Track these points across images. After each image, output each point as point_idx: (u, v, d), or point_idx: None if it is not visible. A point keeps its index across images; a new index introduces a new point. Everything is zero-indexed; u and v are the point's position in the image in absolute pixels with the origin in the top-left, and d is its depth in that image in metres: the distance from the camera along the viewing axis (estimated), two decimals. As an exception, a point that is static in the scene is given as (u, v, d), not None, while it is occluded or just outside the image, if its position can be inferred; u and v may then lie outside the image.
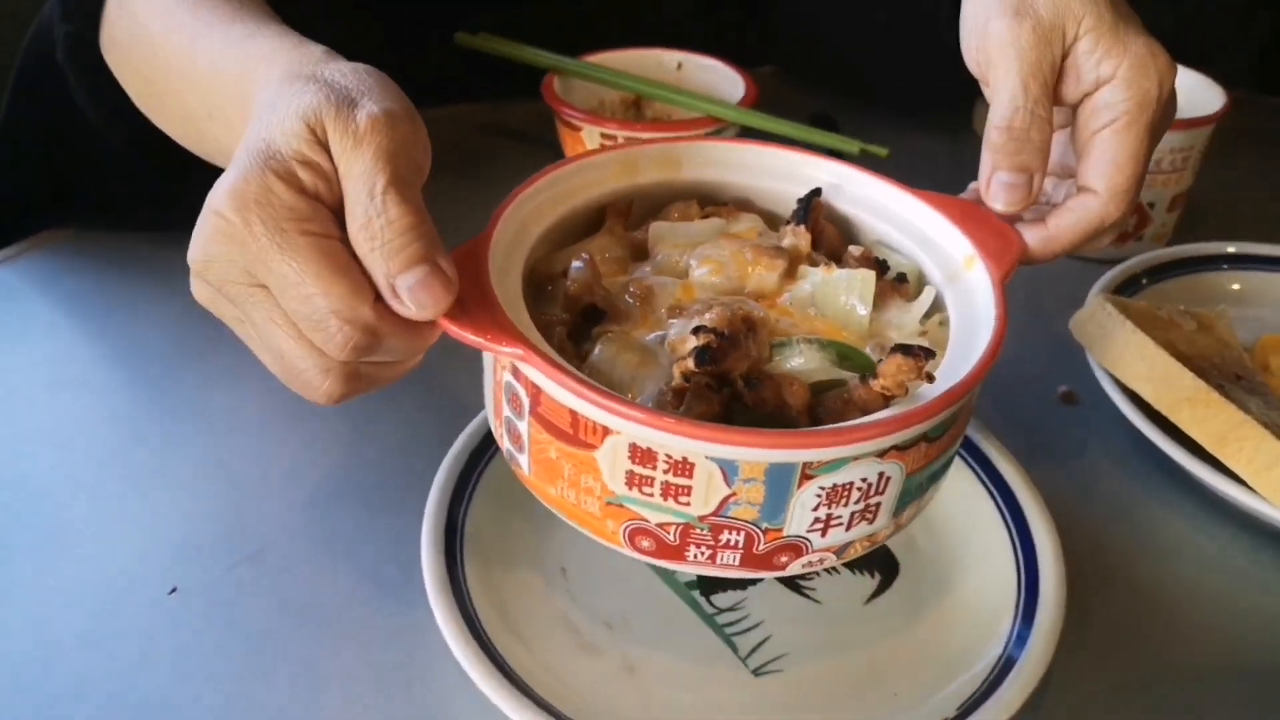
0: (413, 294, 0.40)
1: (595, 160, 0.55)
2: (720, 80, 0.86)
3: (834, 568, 0.54)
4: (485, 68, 0.87)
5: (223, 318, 0.43)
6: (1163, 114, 0.51)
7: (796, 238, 0.53)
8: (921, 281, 0.52)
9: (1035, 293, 0.72)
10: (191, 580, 0.54)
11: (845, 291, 0.49)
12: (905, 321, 0.49)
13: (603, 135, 0.79)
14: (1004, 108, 0.50)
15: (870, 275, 0.49)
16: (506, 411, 0.46)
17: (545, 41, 0.86)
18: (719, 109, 0.80)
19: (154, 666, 0.49)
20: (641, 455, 0.41)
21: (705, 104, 0.81)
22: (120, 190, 0.73)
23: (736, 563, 0.43)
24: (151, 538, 0.56)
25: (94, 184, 0.74)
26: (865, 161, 0.63)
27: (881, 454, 0.41)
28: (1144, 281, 0.74)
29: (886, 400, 0.43)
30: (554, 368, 0.41)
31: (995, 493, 0.56)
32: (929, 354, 0.42)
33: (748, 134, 0.81)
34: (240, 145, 0.41)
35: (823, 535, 0.43)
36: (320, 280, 0.39)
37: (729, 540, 0.42)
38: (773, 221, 0.56)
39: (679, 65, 0.88)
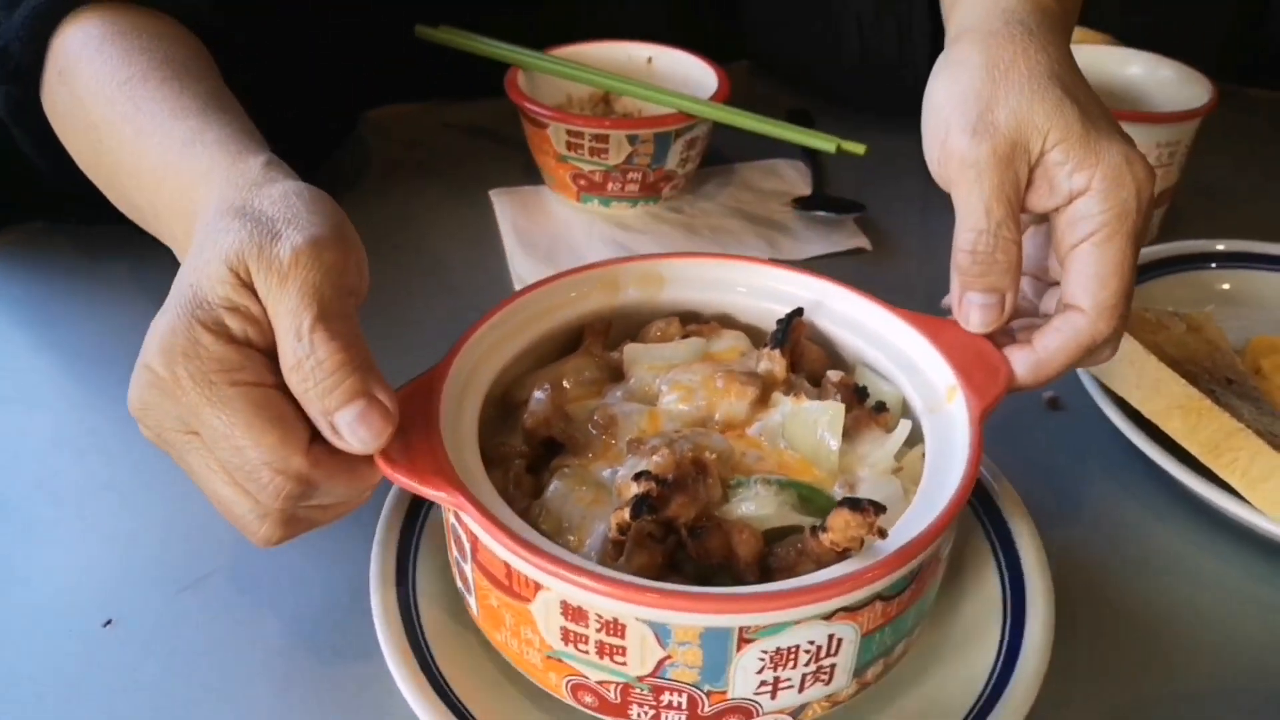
0: (352, 430, 0.40)
1: (575, 279, 0.55)
2: (692, 75, 0.84)
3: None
4: (452, 63, 0.86)
5: (170, 455, 0.43)
6: (1144, 221, 0.47)
7: (771, 362, 0.51)
8: (903, 409, 0.49)
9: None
10: (129, 611, 0.50)
11: (815, 424, 0.47)
12: (879, 456, 0.46)
13: (569, 132, 0.77)
14: (968, 232, 0.48)
15: (840, 408, 0.47)
16: (454, 552, 0.45)
17: (514, 35, 0.85)
18: (690, 104, 0.78)
19: (86, 705, 0.47)
20: (573, 613, 0.39)
21: (676, 99, 0.79)
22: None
23: (682, 723, 0.41)
24: (86, 564, 0.53)
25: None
26: (850, 277, 0.61)
27: (828, 616, 0.38)
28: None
29: (840, 555, 0.40)
30: (485, 517, 0.39)
31: (985, 519, 0.53)
32: (878, 509, 0.39)
33: (721, 129, 0.80)
34: (174, 285, 0.41)
35: (772, 698, 0.40)
36: (250, 432, 0.39)
37: (671, 701, 0.40)
38: (758, 338, 0.54)
39: (649, 59, 0.87)
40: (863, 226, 0.82)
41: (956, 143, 0.47)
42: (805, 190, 0.86)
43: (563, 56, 0.85)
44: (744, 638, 0.38)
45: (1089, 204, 0.46)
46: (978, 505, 0.53)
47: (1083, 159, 0.46)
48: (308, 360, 0.39)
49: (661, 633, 0.38)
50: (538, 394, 0.48)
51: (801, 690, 0.40)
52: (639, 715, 0.41)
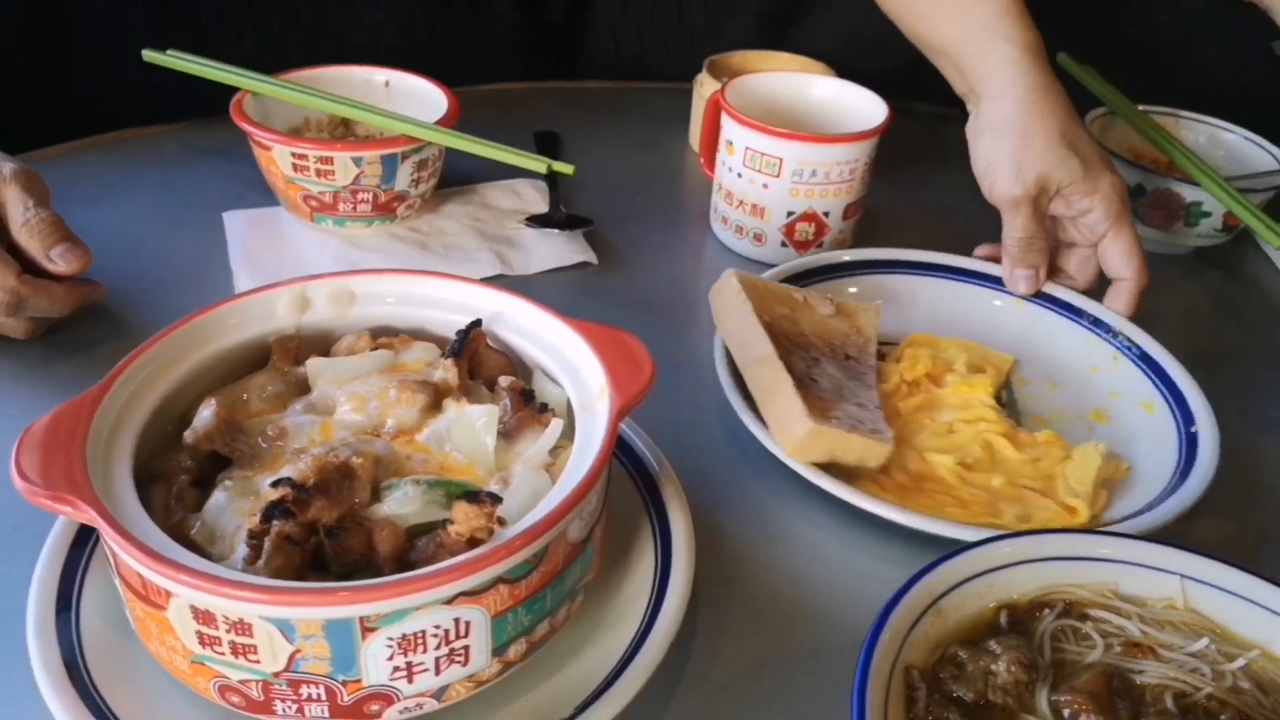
0: (63, 258, 0.68)
1: (260, 297, 0.56)
2: (427, 98, 0.88)
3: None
4: (188, 86, 0.86)
5: None
6: (1129, 210, 0.76)
7: (446, 371, 0.54)
8: (569, 409, 0.53)
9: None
10: None
11: (474, 426, 0.50)
12: (533, 452, 0.50)
13: (294, 154, 0.79)
14: (1016, 234, 0.77)
15: (494, 410, 0.50)
16: (110, 567, 0.46)
17: (260, 58, 0.86)
18: (414, 129, 0.81)
19: None
20: (203, 616, 0.41)
21: (401, 123, 0.81)
22: None
23: (326, 714, 0.43)
24: None
25: None
26: (526, 289, 0.64)
27: (449, 601, 0.41)
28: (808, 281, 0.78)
29: (469, 544, 0.43)
30: (112, 528, 0.41)
31: (650, 505, 0.57)
32: (495, 500, 0.42)
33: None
34: None
35: (409, 682, 0.43)
36: None
37: (311, 694, 0.42)
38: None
39: (387, 83, 0.90)
40: (591, 241, 0.86)
41: (1003, 188, 0.75)
42: (544, 208, 0.90)
43: (298, 80, 0.86)
44: (367, 627, 0.40)
45: (1096, 216, 0.75)
46: (645, 493, 0.58)
47: (1087, 191, 0.74)
48: (34, 219, 0.67)
49: (285, 629, 0.40)
50: (203, 410, 0.50)
51: (438, 673, 0.43)
52: (284, 710, 0.43)
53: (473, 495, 0.42)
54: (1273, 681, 0.46)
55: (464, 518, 0.42)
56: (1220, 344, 0.83)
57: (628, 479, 0.59)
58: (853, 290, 0.79)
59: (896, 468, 0.64)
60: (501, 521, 0.43)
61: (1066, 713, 0.43)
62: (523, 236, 0.86)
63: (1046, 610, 0.48)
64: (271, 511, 0.42)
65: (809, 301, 0.72)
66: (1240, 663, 0.46)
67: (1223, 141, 0.94)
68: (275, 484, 0.44)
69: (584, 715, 0.46)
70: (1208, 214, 0.86)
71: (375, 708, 0.43)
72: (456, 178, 0.93)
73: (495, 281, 0.81)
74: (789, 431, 0.61)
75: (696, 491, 0.59)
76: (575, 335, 0.54)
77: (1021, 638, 0.46)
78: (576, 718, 0.46)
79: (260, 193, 0.87)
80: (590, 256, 0.85)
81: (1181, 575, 0.49)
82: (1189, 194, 0.86)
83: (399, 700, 0.43)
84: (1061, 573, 0.49)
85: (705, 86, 0.98)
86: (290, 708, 0.43)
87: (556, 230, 0.86)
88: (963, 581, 0.47)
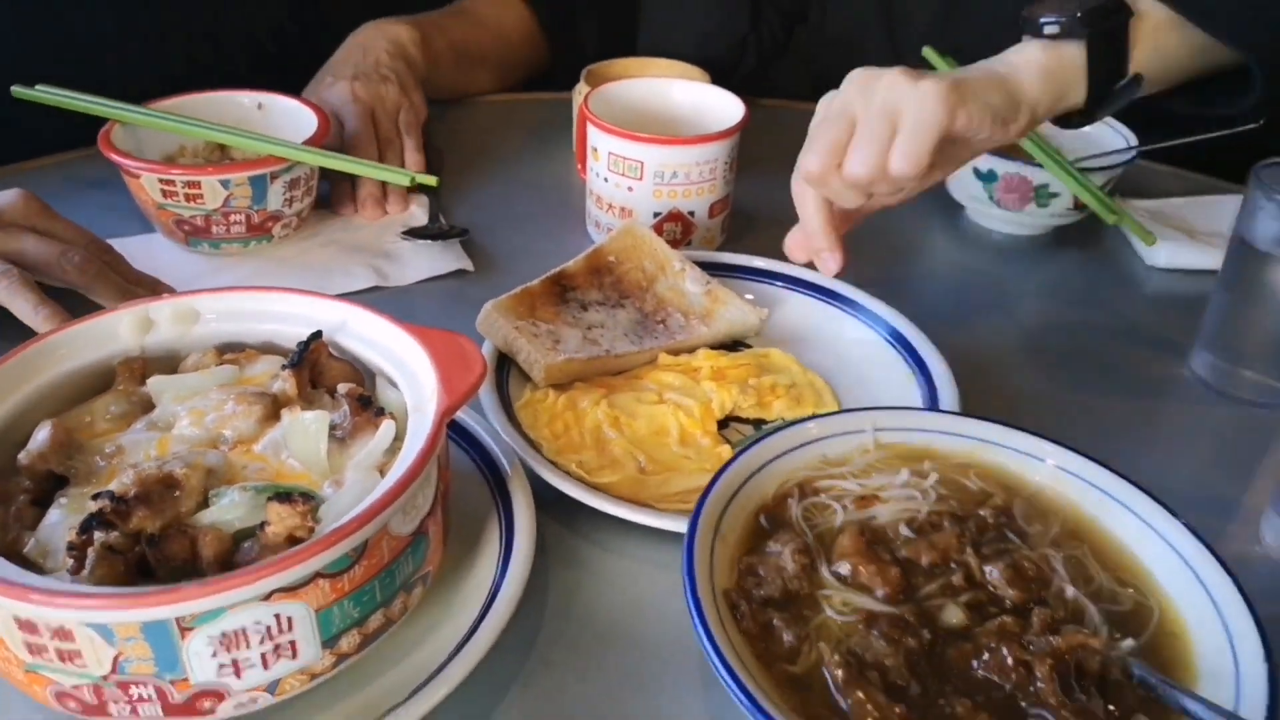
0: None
1: (103, 319, 0.58)
2: (298, 118, 0.90)
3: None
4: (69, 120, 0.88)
5: None
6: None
7: (285, 382, 0.56)
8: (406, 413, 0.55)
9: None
10: None
11: (307, 433, 0.52)
12: (364, 455, 0.52)
13: (161, 181, 0.81)
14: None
15: (325, 414, 0.52)
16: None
17: (136, 88, 0.88)
18: (281, 149, 0.83)
19: None
20: (26, 626, 0.42)
21: (269, 145, 0.83)
22: None
23: (160, 714, 0.45)
24: None
25: None
26: (404, 300, 0.67)
27: (266, 597, 0.43)
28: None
29: (291, 543, 0.45)
30: (-69, 548, 0.42)
31: (499, 500, 0.60)
32: (307, 498, 0.45)
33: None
34: None
35: (238, 678, 0.45)
36: None
37: (141, 695, 0.44)
38: (297, 361, 0.59)
39: (260, 105, 0.92)
40: (470, 250, 0.89)
41: None
42: (421, 220, 0.92)
43: (169, 108, 0.88)
44: (184, 626, 0.42)
45: None
46: (495, 491, 0.60)
47: None
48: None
49: (104, 633, 0.42)
50: (38, 432, 0.51)
51: (267, 668, 0.45)
52: (119, 712, 0.45)
53: (285, 496, 0.45)
54: (952, 479, 0.57)
55: (278, 517, 0.44)
56: (1064, 316, 0.88)
57: (480, 478, 0.62)
58: (749, 297, 0.81)
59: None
60: (315, 519, 0.45)
61: (846, 572, 0.50)
62: (400, 249, 0.88)
63: (790, 499, 0.54)
64: (89, 523, 0.44)
65: (685, 271, 0.77)
66: (933, 479, 0.56)
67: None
68: (95, 497, 0.45)
69: (416, 697, 0.48)
70: (1056, 194, 0.91)
71: (208, 704, 0.45)
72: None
73: (372, 294, 0.84)
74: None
75: (539, 494, 0.61)
76: (412, 340, 0.56)
77: (786, 529, 0.52)
78: (409, 700, 0.48)
79: (138, 221, 0.89)
80: (466, 264, 0.87)
81: (873, 429, 0.58)
82: (1037, 177, 0.90)
83: (231, 696, 0.45)
84: (786, 465, 0.56)
85: (581, 95, 1.01)
86: (124, 709, 0.45)
87: (430, 240, 0.88)
88: (725, 506, 0.52)
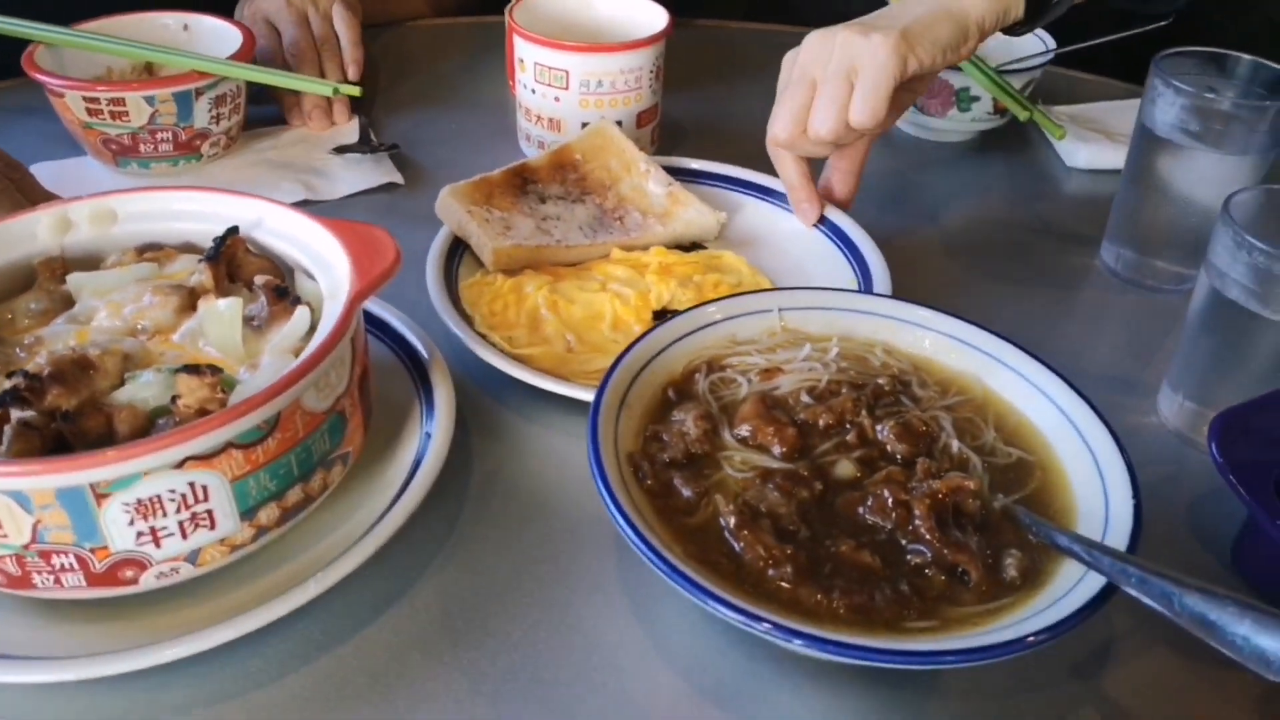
0: None
1: (21, 220, 0.59)
2: (224, 38, 0.90)
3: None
4: None
5: None
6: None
7: (203, 275, 0.57)
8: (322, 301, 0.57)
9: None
10: None
11: (222, 319, 0.53)
12: (280, 339, 0.54)
13: (85, 99, 0.81)
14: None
15: (238, 301, 0.54)
16: None
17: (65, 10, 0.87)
18: (204, 64, 0.83)
19: None
20: (-57, 496, 0.44)
21: (192, 60, 0.84)
22: None
23: (84, 583, 0.47)
24: None
25: None
26: (335, 213, 0.67)
27: (179, 465, 0.45)
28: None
29: (201, 415, 0.47)
30: None
31: (419, 386, 0.62)
32: (215, 371, 0.46)
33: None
34: None
35: (157, 547, 0.47)
36: None
37: (63, 564, 0.46)
38: (217, 259, 0.60)
39: (186, 26, 0.92)
40: (400, 165, 0.89)
41: None
42: (352, 138, 0.92)
43: (94, 29, 0.87)
44: (99, 493, 0.44)
45: None
46: (416, 378, 0.62)
47: None
48: None
49: (21, 500, 0.44)
50: (-50, 325, 0.52)
51: (185, 537, 0.47)
52: (43, 582, 0.47)
53: (194, 369, 0.46)
54: (855, 354, 0.59)
55: (188, 389, 0.46)
56: (988, 215, 0.90)
57: (401, 368, 0.64)
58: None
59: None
60: (223, 391, 0.46)
61: (746, 434, 0.53)
62: (330, 165, 0.88)
63: (697, 375, 0.57)
64: (3, 399, 0.45)
65: (650, 173, 0.80)
66: (835, 352, 0.59)
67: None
68: (9, 375, 0.47)
69: (331, 566, 0.50)
70: (977, 98, 0.92)
71: (130, 573, 0.47)
72: (272, 116, 0.95)
73: (302, 208, 0.84)
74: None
75: (479, 376, 0.64)
76: (326, 233, 0.58)
77: (691, 400, 0.55)
78: (326, 569, 0.50)
79: (67, 145, 0.88)
80: (396, 178, 0.88)
81: (779, 309, 0.60)
82: (957, 81, 0.92)
83: (152, 565, 0.47)
84: (694, 343, 0.58)
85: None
86: (48, 579, 0.46)
87: (362, 155, 0.89)
88: (633, 380, 0.55)
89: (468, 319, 0.68)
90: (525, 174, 0.80)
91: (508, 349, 0.65)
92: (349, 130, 0.94)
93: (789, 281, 0.75)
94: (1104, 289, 0.81)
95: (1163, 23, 0.87)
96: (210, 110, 0.84)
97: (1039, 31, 0.98)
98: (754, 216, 0.82)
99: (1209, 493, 0.61)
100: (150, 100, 0.81)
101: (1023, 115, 0.87)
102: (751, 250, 0.78)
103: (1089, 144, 0.94)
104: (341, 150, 0.90)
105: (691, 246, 0.78)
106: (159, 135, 0.83)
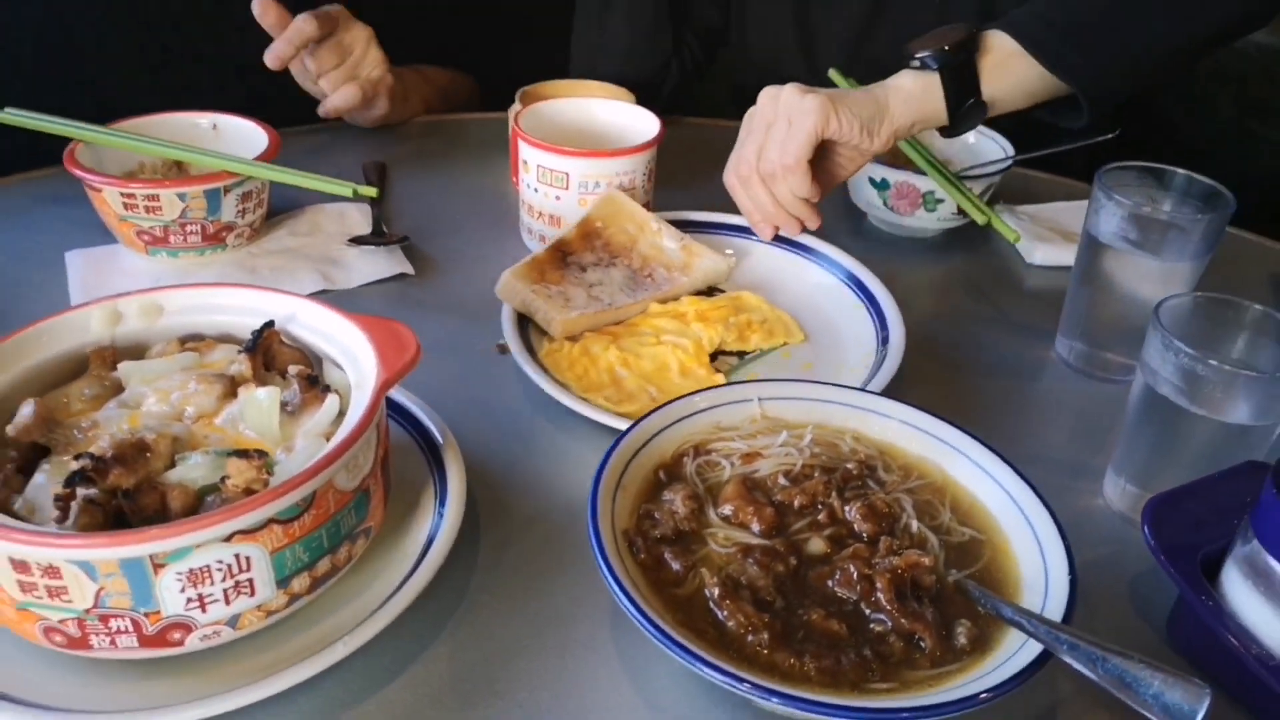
0: None
1: (76, 314, 0.65)
2: (251, 137, 0.98)
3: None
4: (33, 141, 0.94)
5: None
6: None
7: (241, 364, 0.63)
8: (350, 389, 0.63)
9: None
10: None
11: (260, 407, 0.60)
12: (312, 425, 0.60)
13: (123, 194, 0.88)
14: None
15: (276, 389, 0.60)
16: (-59, 541, 0.54)
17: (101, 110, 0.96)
18: (234, 165, 0.91)
19: None
20: (19, 565, 0.49)
21: (223, 161, 0.91)
22: None
23: (136, 644, 0.52)
24: None
25: None
26: (349, 302, 0.74)
27: (226, 539, 0.51)
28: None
29: (248, 494, 0.53)
30: (-66, 500, 0.49)
31: (431, 460, 0.69)
32: (261, 455, 0.52)
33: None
34: None
35: (203, 611, 0.52)
36: None
37: (119, 627, 0.51)
38: (251, 349, 0.66)
39: (214, 126, 1.00)
40: (411, 256, 0.97)
41: None
42: (365, 229, 1.00)
43: (130, 129, 0.95)
44: (156, 563, 0.50)
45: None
46: (425, 448, 0.68)
47: None
48: None
49: (88, 569, 0.49)
50: (22, 409, 0.58)
51: (229, 603, 0.53)
52: (99, 643, 0.52)
53: (243, 453, 0.52)
54: (828, 441, 0.66)
55: (237, 471, 0.52)
56: (952, 307, 0.98)
57: (416, 449, 0.70)
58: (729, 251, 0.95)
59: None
60: (270, 473, 0.52)
61: (729, 513, 0.59)
62: (346, 255, 0.96)
63: (685, 458, 0.63)
64: (73, 479, 0.51)
65: (661, 231, 0.90)
66: (809, 438, 0.66)
67: (961, 137, 1.09)
68: (77, 457, 0.53)
69: (354, 632, 0.55)
70: (941, 200, 1.01)
71: (178, 635, 0.53)
72: (289, 206, 1.02)
73: (320, 297, 0.91)
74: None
75: (488, 456, 0.70)
76: (354, 327, 0.64)
77: (680, 482, 0.61)
78: (348, 635, 0.55)
79: (100, 233, 0.95)
80: (407, 268, 0.95)
81: (759, 398, 0.67)
82: (923, 185, 1.00)
83: (197, 628, 0.53)
84: (683, 430, 0.65)
85: (515, 114, 1.10)
86: (104, 641, 0.52)
87: (375, 247, 0.96)
88: (627, 464, 0.61)
89: (560, 384, 0.77)
90: (563, 249, 0.90)
91: (612, 408, 0.74)
92: (362, 222, 1.01)
93: (799, 309, 0.89)
94: (1058, 379, 0.88)
95: (1109, 135, 0.96)
96: (237, 205, 0.92)
97: (1000, 140, 1.07)
98: (753, 256, 0.96)
99: (1147, 570, 0.67)
100: (182, 197, 0.88)
101: (981, 220, 0.95)
102: (761, 289, 0.91)
103: (1046, 243, 1.02)
104: (356, 241, 0.97)
105: (709, 290, 0.90)
106: (189, 228, 0.90)
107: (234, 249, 0.95)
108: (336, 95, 1.12)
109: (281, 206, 1.01)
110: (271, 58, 1.06)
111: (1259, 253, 1.10)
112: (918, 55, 0.88)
